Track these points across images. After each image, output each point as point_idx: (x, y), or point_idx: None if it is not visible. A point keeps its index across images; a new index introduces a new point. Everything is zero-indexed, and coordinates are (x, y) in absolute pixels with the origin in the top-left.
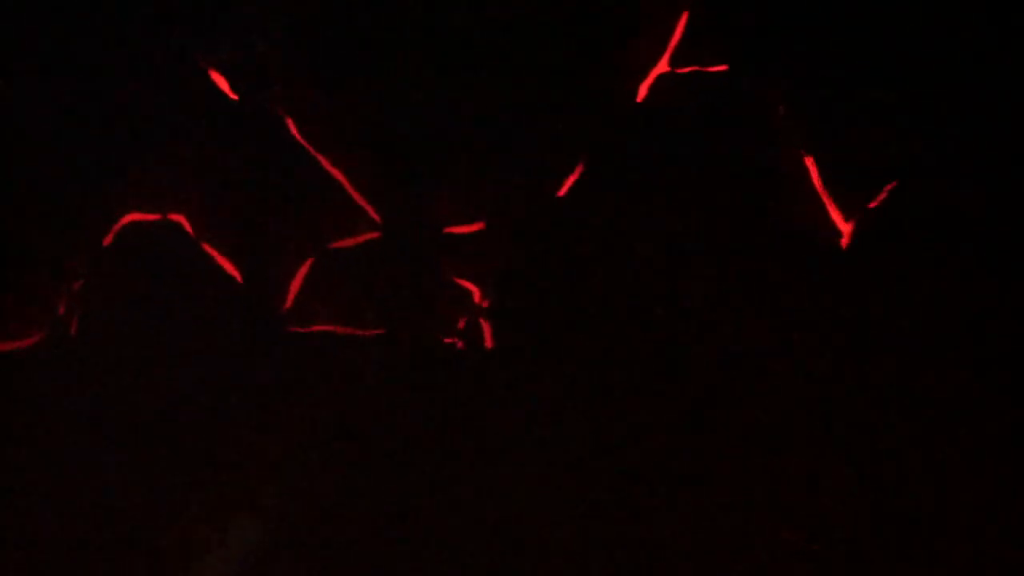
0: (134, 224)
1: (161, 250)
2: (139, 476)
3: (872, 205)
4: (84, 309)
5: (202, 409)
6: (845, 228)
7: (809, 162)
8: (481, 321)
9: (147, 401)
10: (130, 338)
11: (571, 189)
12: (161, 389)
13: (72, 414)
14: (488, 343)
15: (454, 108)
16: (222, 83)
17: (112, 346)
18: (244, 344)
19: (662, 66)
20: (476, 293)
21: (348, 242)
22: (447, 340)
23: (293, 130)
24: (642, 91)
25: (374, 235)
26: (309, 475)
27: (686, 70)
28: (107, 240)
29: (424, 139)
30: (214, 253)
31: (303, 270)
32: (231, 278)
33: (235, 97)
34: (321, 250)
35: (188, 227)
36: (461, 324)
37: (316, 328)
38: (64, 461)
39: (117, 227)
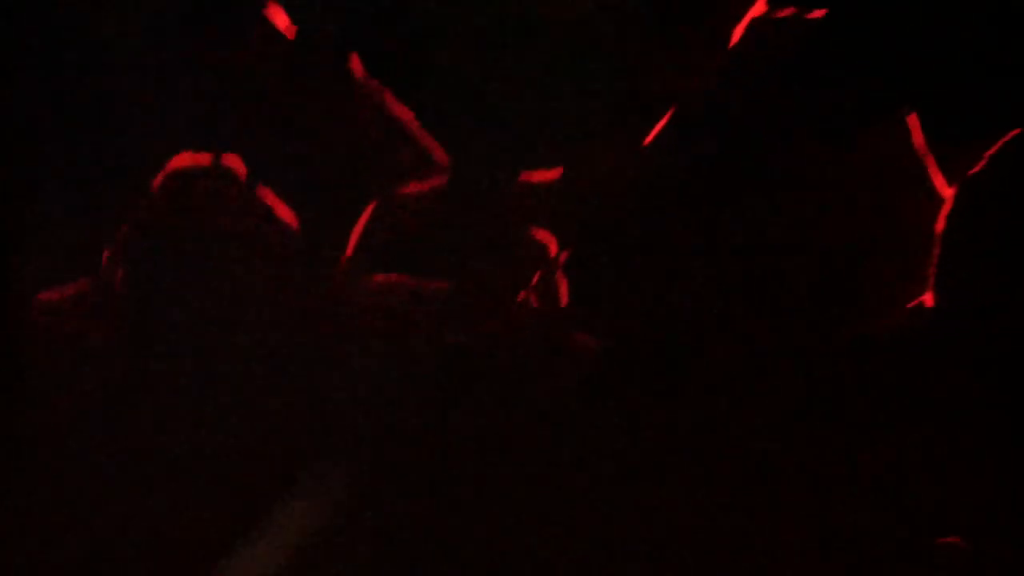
0: (183, 167)
1: (212, 194)
2: (185, 438)
3: (974, 171)
4: (128, 258)
5: (255, 366)
6: (947, 193)
7: (912, 120)
8: (557, 276)
9: (195, 358)
10: (177, 289)
11: (658, 137)
12: (211, 344)
13: (113, 370)
14: (563, 301)
15: (533, 44)
16: (279, 16)
17: (158, 297)
18: (300, 295)
19: (758, 7)
20: (552, 246)
21: (414, 187)
22: (519, 296)
23: (356, 64)
24: (735, 35)
25: (442, 179)
26: (368, 436)
27: (783, 13)
28: (155, 184)
29: (500, 77)
30: (269, 197)
31: (364, 217)
32: (287, 224)
33: (294, 30)
34: (385, 195)
35: (241, 170)
36: (535, 279)
37: (378, 279)
38: (103, 420)
39: (165, 170)
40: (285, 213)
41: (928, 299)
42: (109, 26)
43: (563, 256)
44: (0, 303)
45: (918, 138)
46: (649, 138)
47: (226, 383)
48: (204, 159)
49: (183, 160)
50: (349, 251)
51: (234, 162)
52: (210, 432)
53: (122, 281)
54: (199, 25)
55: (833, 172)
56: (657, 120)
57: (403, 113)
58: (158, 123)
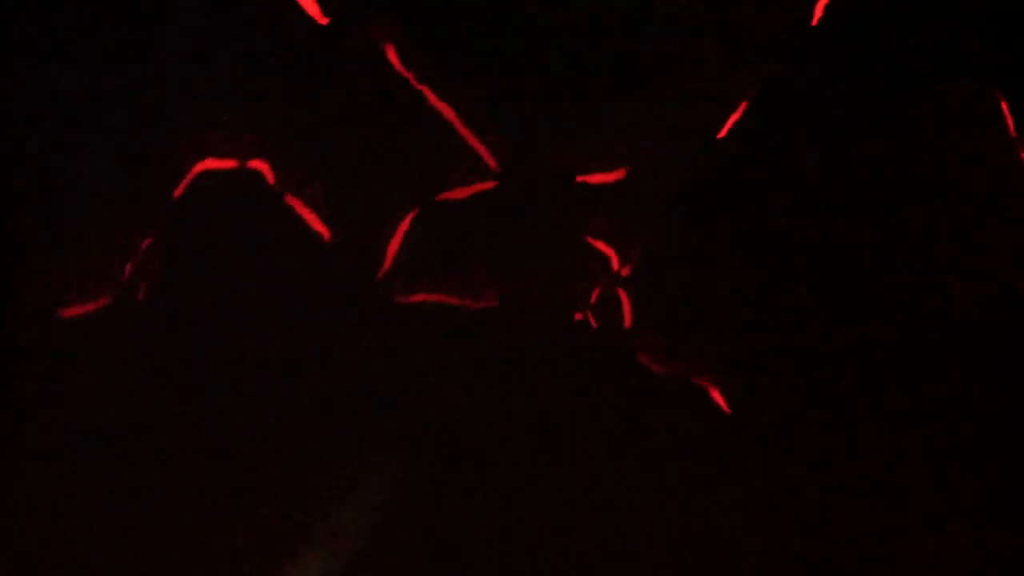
0: (208, 174)
1: (239, 203)
2: (208, 461)
3: None
4: (152, 271)
5: (284, 389)
6: None
7: (1004, 107)
8: (619, 293)
9: (221, 378)
10: (203, 305)
11: (733, 129)
12: (238, 364)
13: (138, 389)
14: (627, 321)
15: (590, 27)
16: (309, 5)
17: (183, 313)
18: (333, 314)
19: None
20: (614, 258)
21: (458, 193)
22: (577, 316)
23: (394, 58)
24: (817, 11)
25: (490, 184)
26: (410, 473)
27: None
28: (178, 192)
29: (552, 66)
30: (299, 207)
31: (404, 227)
32: (318, 236)
33: (325, 21)
34: (426, 203)
35: (269, 176)
36: (594, 296)
37: (419, 298)
38: (127, 440)
39: (189, 177)
40: (316, 223)
41: None
42: (129, 27)
43: (626, 270)
44: (23, 319)
45: (1012, 125)
46: (724, 131)
47: (250, 404)
48: (228, 165)
49: (206, 167)
50: (386, 266)
51: (260, 168)
52: (235, 452)
53: (145, 295)
54: (218, 16)
55: (925, 162)
56: (732, 110)
57: (445, 110)
58: (180, 127)
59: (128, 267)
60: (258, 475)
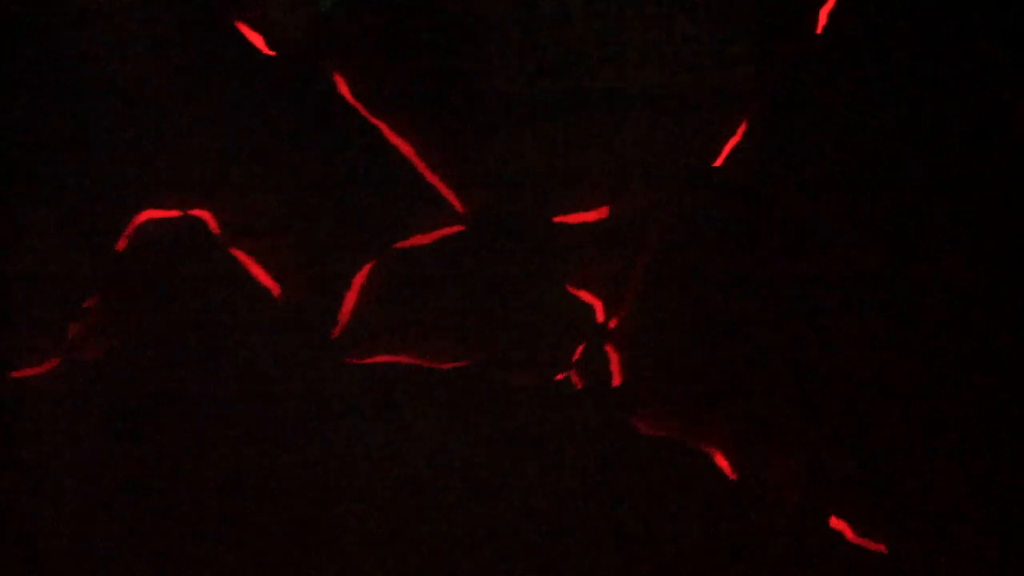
0: (150, 223)
1: (180, 256)
2: (159, 529)
3: None
4: (99, 329)
5: (234, 454)
6: None
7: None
8: (606, 348)
9: (171, 442)
10: (150, 365)
11: (731, 156)
12: (187, 428)
13: (88, 453)
14: (616, 379)
15: (567, 48)
16: (254, 37)
17: (131, 374)
18: (284, 378)
19: None
20: (599, 309)
21: (421, 239)
22: (558, 376)
23: (345, 91)
24: (822, 18)
25: (456, 229)
26: (368, 547)
27: None
28: (120, 244)
29: (523, 95)
30: (245, 259)
31: (360, 278)
32: (267, 291)
33: (271, 54)
34: (385, 251)
35: (213, 225)
36: (578, 353)
37: (378, 358)
38: (80, 507)
39: (131, 228)
40: (264, 278)
41: None
42: (65, 76)
43: (613, 322)
44: None
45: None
46: (720, 159)
47: (198, 474)
48: (171, 215)
49: (148, 217)
50: (342, 324)
51: (204, 216)
52: (184, 515)
53: (92, 355)
54: (156, 52)
55: (950, 180)
56: (729, 134)
57: (403, 146)
58: (117, 174)
59: (73, 327)
60: (211, 536)
